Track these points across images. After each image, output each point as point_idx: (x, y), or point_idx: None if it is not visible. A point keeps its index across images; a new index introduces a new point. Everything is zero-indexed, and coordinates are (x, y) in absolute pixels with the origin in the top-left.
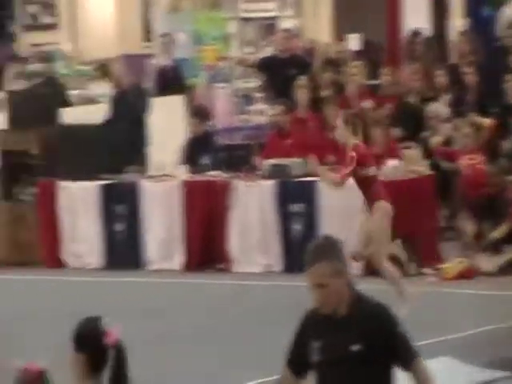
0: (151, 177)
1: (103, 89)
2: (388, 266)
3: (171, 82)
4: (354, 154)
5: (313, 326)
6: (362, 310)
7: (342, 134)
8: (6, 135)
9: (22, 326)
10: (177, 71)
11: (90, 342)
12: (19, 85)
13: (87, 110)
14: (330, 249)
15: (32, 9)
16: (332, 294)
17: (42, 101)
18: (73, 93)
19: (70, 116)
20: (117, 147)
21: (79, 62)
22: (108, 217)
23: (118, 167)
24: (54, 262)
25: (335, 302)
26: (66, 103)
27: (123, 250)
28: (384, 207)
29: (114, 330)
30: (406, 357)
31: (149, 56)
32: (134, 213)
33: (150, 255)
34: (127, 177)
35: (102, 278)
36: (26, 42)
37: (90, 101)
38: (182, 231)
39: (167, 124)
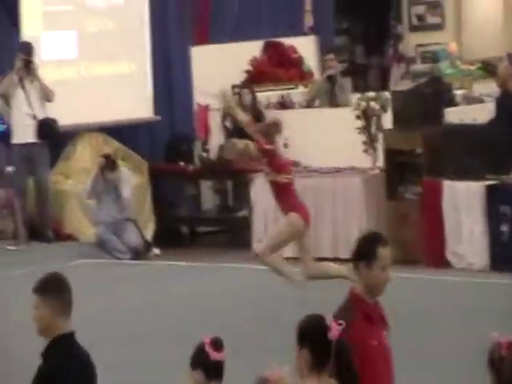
0: None
1: (488, 88)
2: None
3: None
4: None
5: None
6: None
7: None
8: (391, 134)
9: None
10: None
11: (314, 337)
12: (405, 85)
13: (472, 110)
14: None
15: (419, 10)
16: None
17: (426, 100)
18: (457, 92)
19: (454, 116)
20: (501, 148)
21: (464, 61)
22: (493, 217)
23: (502, 168)
24: (438, 261)
25: None
26: (451, 103)
27: (508, 251)
28: (294, 220)
29: (337, 326)
30: None
31: None
32: None
33: None
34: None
35: (485, 280)
36: (412, 42)
37: (475, 100)
38: None
39: None
